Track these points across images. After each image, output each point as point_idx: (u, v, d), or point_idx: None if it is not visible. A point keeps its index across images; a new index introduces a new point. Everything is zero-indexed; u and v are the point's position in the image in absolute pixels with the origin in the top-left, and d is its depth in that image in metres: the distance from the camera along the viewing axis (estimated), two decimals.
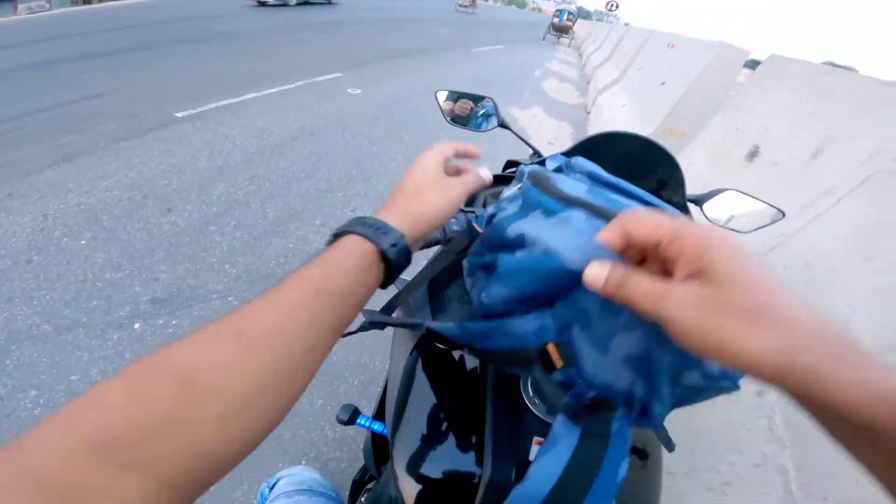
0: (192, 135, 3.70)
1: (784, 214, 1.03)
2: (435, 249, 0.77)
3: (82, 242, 2.33)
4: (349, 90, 5.67)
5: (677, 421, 1.29)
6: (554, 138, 5.38)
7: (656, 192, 0.93)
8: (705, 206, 1.04)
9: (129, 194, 2.75)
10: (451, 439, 0.62)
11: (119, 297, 2.03)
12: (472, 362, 0.70)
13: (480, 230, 0.74)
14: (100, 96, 4.38)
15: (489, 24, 22.81)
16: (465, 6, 29.42)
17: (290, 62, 6.81)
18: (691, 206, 1.05)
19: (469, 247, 0.75)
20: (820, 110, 2.04)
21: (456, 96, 1.16)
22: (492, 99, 1.15)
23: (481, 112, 1.17)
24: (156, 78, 5.25)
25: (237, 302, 2.06)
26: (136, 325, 1.89)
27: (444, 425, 0.64)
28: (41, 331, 1.83)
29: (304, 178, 3.25)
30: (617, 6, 25.04)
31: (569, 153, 0.84)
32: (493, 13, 38.35)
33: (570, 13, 23.21)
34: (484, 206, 0.97)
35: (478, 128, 1.15)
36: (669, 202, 0.85)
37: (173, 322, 1.92)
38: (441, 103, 1.16)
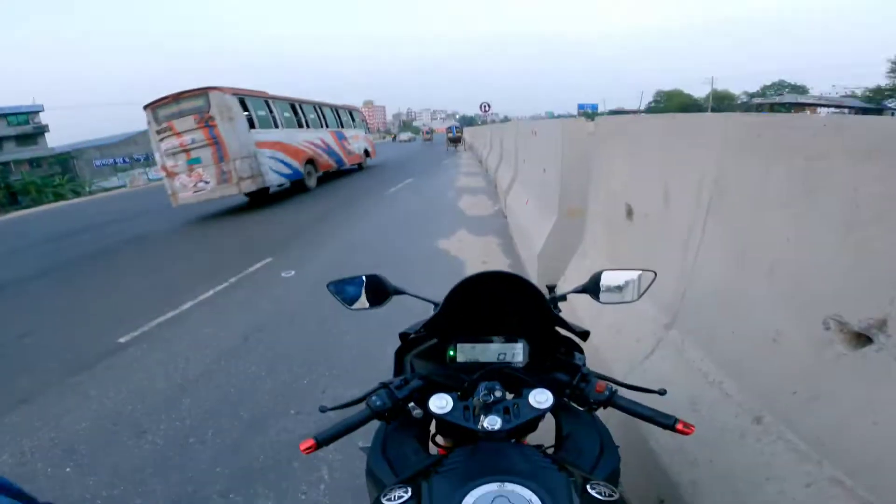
0: (141, 358, 4.15)
1: (655, 273, 1.33)
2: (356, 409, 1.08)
3: (67, 470, 2.67)
4: (283, 274, 6.36)
5: (702, 471, 1.54)
6: (486, 256, 6.31)
7: (533, 308, 1.21)
8: (591, 293, 1.37)
9: (98, 424, 3.12)
10: None
11: None
12: None
13: (399, 398, 1.08)
14: (30, 334, 4.84)
15: (392, 161, 26.27)
16: (428, 139, 40.82)
17: (217, 258, 7.59)
18: (574, 296, 1.38)
19: (394, 410, 1.08)
20: (644, 156, 2.47)
21: (346, 281, 1.43)
22: (378, 276, 1.43)
23: (374, 288, 1.44)
24: (81, 303, 5.79)
25: (240, 498, 2.42)
26: None
27: None
28: None
29: (265, 375, 3.71)
30: (489, 106, 29.91)
31: (445, 309, 1.19)
32: (393, 148, 43.02)
33: (455, 127, 37.23)
34: (412, 370, 1.30)
35: (376, 304, 1.42)
36: (529, 314, 1.20)
37: None
38: (336, 296, 1.43)
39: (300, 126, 15.27)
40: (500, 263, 6.05)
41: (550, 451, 1.16)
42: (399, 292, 1.45)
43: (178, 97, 11.70)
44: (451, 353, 1.25)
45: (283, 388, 3.50)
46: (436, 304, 1.35)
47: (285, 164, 13.96)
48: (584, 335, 1.28)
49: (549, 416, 1.09)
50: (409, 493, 0.87)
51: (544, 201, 5.27)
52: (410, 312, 1.51)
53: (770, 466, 1.34)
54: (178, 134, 11.70)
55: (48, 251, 9.14)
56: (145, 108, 12.03)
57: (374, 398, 1.08)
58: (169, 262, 7.62)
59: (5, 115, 42.84)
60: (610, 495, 0.84)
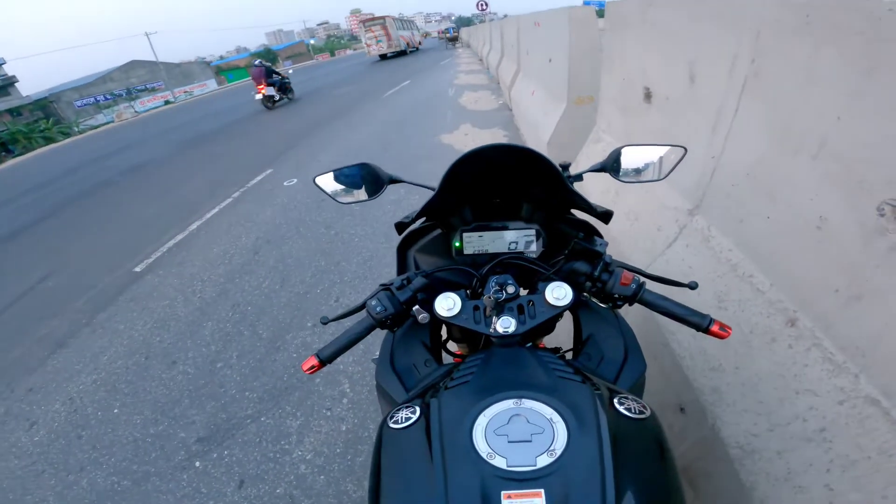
0: (159, 285, 4.29)
1: (685, 149, 1.15)
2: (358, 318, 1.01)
3: (115, 412, 2.87)
4: (285, 183, 6.39)
5: (727, 378, 1.45)
6: None
7: (546, 190, 1.07)
8: (611, 170, 1.20)
9: (133, 360, 3.31)
10: None
11: (170, 445, 2.56)
12: (425, 434, 0.76)
13: (402, 301, 0.99)
14: (51, 276, 4.99)
15: (387, 68, 25.03)
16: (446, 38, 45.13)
17: (217, 175, 7.56)
18: (589, 179, 1.24)
19: (397, 316, 0.99)
20: (666, 39, 2.29)
21: (335, 175, 1.28)
22: (368, 164, 1.29)
23: (366, 179, 1.29)
24: (92, 238, 5.92)
25: (270, 420, 2.61)
26: (198, 464, 2.42)
27: (411, 496, 0.71)
28: (123, 486, 2.37)
29: (279, 288, 3.83)
30: (486, 5, 28.63)
31: (443, 188, 0.98)
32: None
33: (452, 28, 46.57)
34: (417, 266, 1.22)
35: (372, 195, 1.28)
36: (562, 190, 1.01)
37: (226, 453, 2.45)
38: (326, 189, 1.29)
39: (405, 29, 37.62)
40: None
41: (569, 355, 1.10)
42: (395, 180, 1.30)
43: (374, 19, 33.97)
44: (457, 243, 1.13)
45: (298, 300, 3.62)
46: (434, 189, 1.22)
47: (405, 43, 36.31)
48: (607, 216, 1.12)
49: (567, 314, 1.02)
50: (417, 414, 0.80)
51: (552, 90, 5.15)
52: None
53: (801, 378, 1.24)
54: (372, 30, 33.50)
55: (50, 192, 9.16)
56: (361, 22, 35.75)
57: (373, 303, 0.98)
58: (171, 185, 7.62)
59: None
60: (641, 412, 0.77)
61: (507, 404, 0.74)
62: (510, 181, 1.08)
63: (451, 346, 1.27)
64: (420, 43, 42.88)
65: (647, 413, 0.78)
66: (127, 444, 2.63)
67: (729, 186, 1.70)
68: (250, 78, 14.93)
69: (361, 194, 1.28)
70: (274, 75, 14.88)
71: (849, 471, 1.10)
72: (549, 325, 1.04)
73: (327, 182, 1.28)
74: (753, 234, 1.55)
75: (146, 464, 2.48)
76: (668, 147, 1.17)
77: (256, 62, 14.47)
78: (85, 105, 43.94)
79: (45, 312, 4.22)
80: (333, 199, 1.29)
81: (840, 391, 1.14)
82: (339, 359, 2.86)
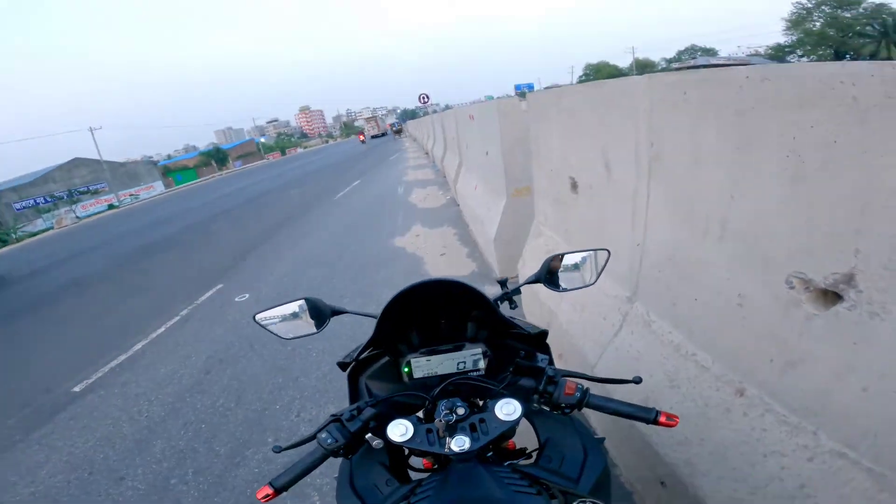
0: (101, 405, 4.07)
1: (609, 252, 1.25)
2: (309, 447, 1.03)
3: None
4: (236, 299, 6.28)
5: (695, 450, 1.48)
6: (443, 248, 6.43)
7: (470, 312, 1.15)
8: (544, 281, 1.29)
9: (74, 475, 3.08)
10: None
11: None
12: None
13: (352, 431, 0.99)
14: None
15: (335, 165, 26.84)
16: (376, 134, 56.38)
17: (164, 291, 7.40)
18: (532, 287, 1.35)
19: (349, 445, 1.00)
20: (581, 128, 2.41)
21: (277, 312, 1.31)
22: (308, 299, 1.32)
23: (310, 313, 1.33)
24: (27, 356, 5.62)
25: None
26: None
27: None
28: None
29: (234, 406, 3.71)
30: (427, 97, 31.08)
31: (382, 324, 1.08)
32: (336, 149, 43.44)
33: (397, 123, 60.88)
34: (370, 393, 1.22)
35: (318, 328, 1.32)
36: (483, 319, 1.14)
37: None
38: (269, 328, 1.30)
39: (381, 122, 68.13)
40: (457, 253, 6.16)
41: (534, 455, 1.12)
42: (338, 312, 1.35)
43: (371, 118, 72.38)
44: (406, 369, 1.15)
45: (256, 417, 3.53)
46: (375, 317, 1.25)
47: (383, 129, 67.44)
48: (542, 336, 1.19)
49: (524, 420, 1.04)
50: None
51: (492, 184, 5.31)
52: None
53: (764, 442, 1.29)
54: (370, 122, 68.72)
55: None
56: (365, 119, 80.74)
57: (323, 436, 0.99)
58: (113, 302, 7.35)
59: None
60: None
61: None
62: (450, 306, 1.15)
63: (416, 462, 1.26)
64: (388, 127, 62.73)
65: None
66: None
67: (657, 272, 1.81)
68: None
69: (306, 328, 1.32)
70: None
71: None
72: (506, 435, 1.04)
73: (269, 319, 1.31)
74: (686, 315, 1.64)
75: None
76: (593, 251, 1.28)
77: None
78: (24, 208, 41.07)
79: None
80: (277, 335, 1.31)
81: (805, 449, 1.19)
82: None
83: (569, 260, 1.29)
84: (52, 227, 32.01)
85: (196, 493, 2.80)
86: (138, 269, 9.55)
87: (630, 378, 1.06)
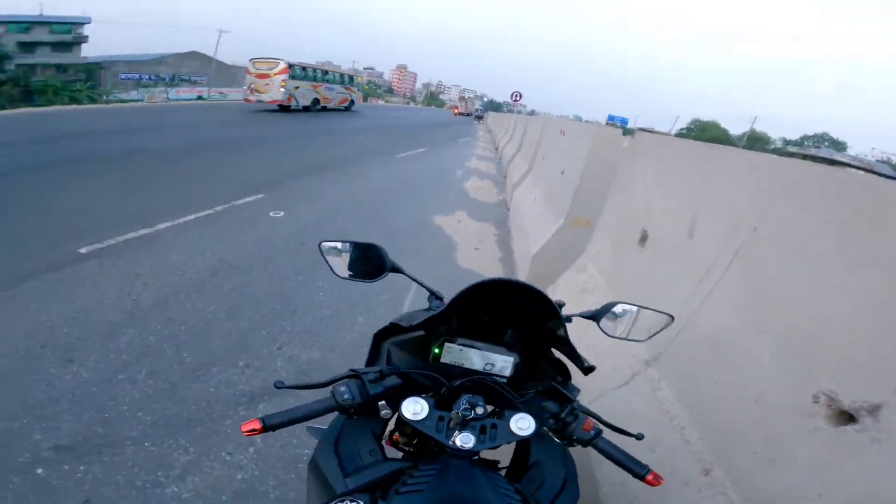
0: (97, 274, 3.80)
1: (673, 318, 1.22)
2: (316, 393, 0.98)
3: None
4: (271, 213, 6.01)
5: None
6: (479, 242, 6.03)
7: (536, 324, 1.13)
8: (601, 322, 1.26)
9: (26, 343, 2.78)
10: None
11: (17, 444, 2.08)
12: None
13: (371, 394, 0.97)
14: None
15: (408, 127, 26.13)
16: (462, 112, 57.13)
17: (209, 184, 7.18)
18: (584, 321, 1.26)
19: (362, 406, 0.97)
20: (678, 183, 2.32)
21: (342, 246, 1.28)
22: (378, 247, 1.29)
23: (371, 260, 1.29)
24: (51, 206, 5.38)
25: (155, 448, 2.15)
26: (39, 471, 1.96)
27: None
28: None
29: (224, 318, 3.38)
30: (520, 96, 30.29)
31: (449, 311, 1.03)
32: (415, 114, 42.92)
33: (480, 108, 71.54)
34: (389, 359, 1.17)
35: (370, 278, 1.29)
36: (555, 333, 1.10)
37: (81, 468, 1.99)
38: (327, 257, 1.28)
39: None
40: (491, 253, 5.77)
41: (503, 469, 1.10)
42: (397, 270, 1.30)
43: (464, 98, 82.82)
44: (437, 350, 1.10)
45: (238, 336, 3.19)
46: (432, 293, 1.31)
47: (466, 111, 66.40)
48: (589, 370, 1.15)
49: None
50: None
51: (554, 203, 5.01)
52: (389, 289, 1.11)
53: None
54: (462, 100, 73.81)
55: (40, 150, 8.55)
56: (460, 98, 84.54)
57: (342, 390, 0.96)
58: (157, 179, 7.16)
59: (50, 23, 41.93)
60: None
61: None
62: (506, 308, 1.12)
63: (397, 436, 1.23)
64: (473, 111, 67.47)
65: None
66: None
67: (689, 349, 1.78)
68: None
69: (361, 273, 1.29)
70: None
71: None
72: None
73: (331, 250, 1.28)
74: (699, 393, 1.64)
75: None
76: (658, 312, 1.23)
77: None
78: (128, 79, 43.78)
79: None
80: (331, 269, 1.27)
81: None
82: (259, 405, 2.41)
83: (631, 310, 1.26)
84: (142, 100, 33.40)
85: (137, 395, 2.47)
86: (194, 158, 9.36)
87: (634, 433, 1.05)
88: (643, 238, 2.50)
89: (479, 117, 54.26)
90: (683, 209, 2.15)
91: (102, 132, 11.30)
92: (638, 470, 0.96)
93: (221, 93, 45.08)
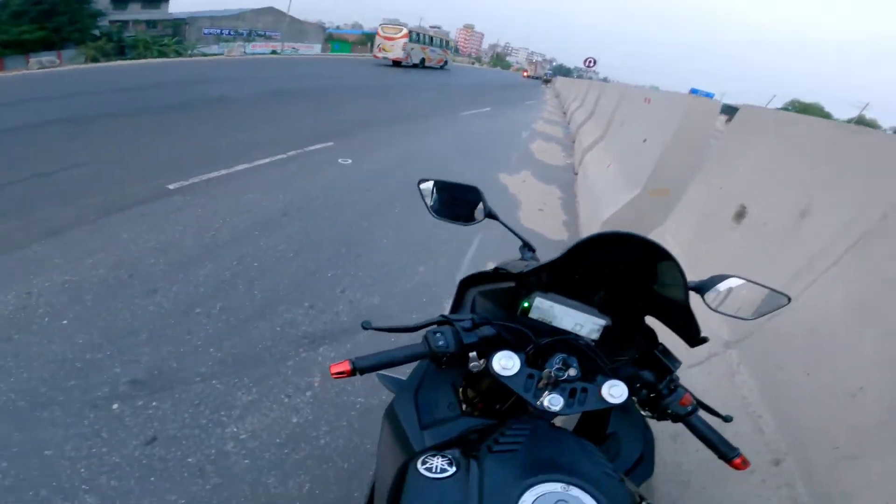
0: (181, 209, 4.04)
1: (790, 299, 1.09)
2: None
3: (64, 322, 2.55)
4: (340, 160, 6.14)
5: (688, 494, 1.48)
6: (543, 204, 5.90)
7: (651, 284, 1.01)
8: (707, 294, 1.12)
9: (115, 273, 3.02)
10: None
11: (98, 377, 2.23)
12: (463, 494, 0.70)
13: (466, 343, 0.91)
14: (83, 165, 4.78)
15: (474, 87, 25.52)
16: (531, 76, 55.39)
17: (283, 131, 7.39)
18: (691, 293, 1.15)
19: (454, 355, 0.91)
20: (795, 163, 2.17)
21: (440, 186, 1.24)
22: (478, 189, 1.25)
23: (468, 203, 1.26)
24: (149, 146, 5.74)
25: (221, 386, 2.27)
26: (115, 406, 2.09)
27: None
28: (16, 406, 2.02)
29: (292, 257, 3.53)
30: (594, 62, 28.76)
31: (557, 263, 0.94)
32: (480, 75, 41.73)
33: (549, 72, 77.51)
34: (473, 308, 1.11)
35: (465, 221, 1.25)
36: (667, 297, 0.99)
37: (153, 404, 2.12)
38: (425, 195, 1.24)
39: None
40: (554, 216, 5.62)
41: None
42: (493, 217, 1.25)
43: (534, 62, 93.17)
44: (526, 304, 1.00)
45: (305, 275, 3.33)
46: (526, 243, 1.25)
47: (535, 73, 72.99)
48: (701, 341, 1.01)
49: None
50: (454, 468, 0.72)
51: (631, 171, 4.82)
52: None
53: None
54: (532, 63, 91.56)
55: (131, 97, 9.05)
56: (529, 62, 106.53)
57: (437, 336, 0.90)
58: (236, 125, 7.44)
59: None
60: None
61: (555, 487, 0.69)
62: (602, 267, 1.04)
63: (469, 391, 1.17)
64: (541, 75, 69.75)
65: None
66: (52, 361, 2.29)
67: (782, 334, 1.67)
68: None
69: (455, 216, 1.26)
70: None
71: None
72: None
73: (428, 189, 1.24)
74: (785, 382, 1.56)
75: (58, 390, 2.14)
76: (772, 292, 1.10)
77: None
78: (210, 34, 45.73)
79: (55, 198, 3.95)
80: (428, 208, 1.25)
81: None
82: (320, 349, 2.50)
83: (743, 286, 1.12)
84: (222, 54, 35.16)
85: (210, 330, 2.64)
86: (272, 107, 9.63)
87: (723, 415, 1.02)
88: (739, 214, 2.35)
89: (547, 81, 53.87)
90: (797, 189, 1.99)
91: (189, 82, 11.76)
92: (727, 452, 0.91)
93: (294, 47, 46.36)
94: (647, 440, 1.00)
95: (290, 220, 4.16)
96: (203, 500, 1.76)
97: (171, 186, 4.46)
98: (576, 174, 7.67)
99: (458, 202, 1.26)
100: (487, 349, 0.91)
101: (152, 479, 1.81)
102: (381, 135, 8.19)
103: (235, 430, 2.07)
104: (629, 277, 1.03)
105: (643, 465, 0.96)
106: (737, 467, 0.90)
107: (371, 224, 4.33)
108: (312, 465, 1.97)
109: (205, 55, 32.80)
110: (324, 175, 5.50)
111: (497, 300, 1.13)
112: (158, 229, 3.64)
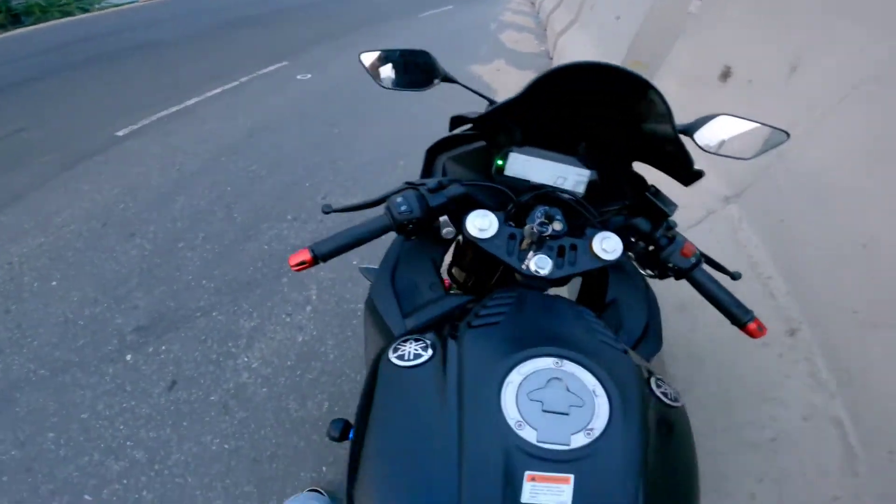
0: (138, 151, 3.82)
1: (788, 135, 0.99)
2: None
3: (53, 283, 2.46)
4: (298, 77, 5.76)
5: (703, 371, 1.39)
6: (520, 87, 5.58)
7: (636, 124, 0.89)
8: (696, 134, 1.00)
9: (88, 225, 2.88)
10: (421, 471, 0.57)
11: (103, 331, 2.18)
12: (440, 379, 0.62)
13: (432, 206, 0.81)
14: (27, 129, 4.41)
15: None
16: None
17: (232, 59, 6.80)
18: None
19: (421, 222, 0.81)
20: (782, 18, 2.04)
21: (385, 55, 1.13)
22: (426, 52, 1.14)
23: (419, 68, 1.15)
24: (82, 100, 5.31)
25: (222, 317, 2.22)
26: (128, 357, 2.06)
27: (412, 455, 0.58)
28: (39, 376, 1.99)
29: (266, 175, 3.37)
30: None
31: (527, 94, 0.82)
32: None
33: None
34: (444, 172, 1.02)
35: (419, 87, 1.13)
36: (655, 134, 0.86)
37: (163, 348, 2.09)
38: (368, 66, 1.12)
39: None
40: None
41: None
42: (448, 79, 1.11)
43: None
44: (500, 161, 0.89)
45: (283, 190, 3.20)
46: (489, 101, 1.03)
47: None
48: (696, 176, 0.87)
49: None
50: (430, 353, 0.65)
51: (606, 48, 4.61)
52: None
53: (777, 387, 1.19)
54: None
55: (52, 58, 8.28)
56: None
57: (398, 201, 0.79)
58: (178, 63, 6.80)
59: None
60: (675, 399, 0.67)
61: (545, 363, 0.60)
62: (585, 111, 0.90)
63: (455, 271, 1.13)
64: None
65: (681, 402, 0.68)
66: (56, 324, 2.24)
67: (783, 183, 1.56)
68: None
69: (407, 83, 1.13)
70: None
71: (781, 484, 1.08)
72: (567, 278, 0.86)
73: (372, 60, 1.11)
74: (790, 237, 1.44)
75: (71, 351, 2.10)
76: (770, 129, 0.96)
77: None
78: None
79: (6, 164, 3.71)
80: (373, 78, 1.12)
81: (810, 407, 1.11)
82: None
83: (733, 124, 0.98)
84: (136, 1, 31.60)
85: (198, 262, 2.55)
86: (207, 40, 8.84)
87: (731, 271, 0.89)
88: (724, 75, 2.23)
89: None
90: (784, 45, 1.86)
91: (111, 33, 10.76)
92: (740, 315, 0.80)
93: None
94: (652, 306, 0.91)
95: (258, 139, 3.95)
96: (235, 436, 1.77)
97: (120, 133, 4.17)
98: (551, 59, 7.25)
99: (409, 69, 1.14)
100: (460, 213, 0.82)
101: (185, 423, 1.81)
102: (339, 45, 7.63)
103: (246, 359, 2.05)
104: (610, 122, 0.91)
105: (650, 336, 0.87)
106: (752, 334, 0.80)
107: (342, 130, 4.11)
108: (326, 382, 1.96)
109: (116, 6, 29.77)
110: (285, 93, 5.17)
111: (469, 164, 1.02)
112: (119, 175, 3.45)
